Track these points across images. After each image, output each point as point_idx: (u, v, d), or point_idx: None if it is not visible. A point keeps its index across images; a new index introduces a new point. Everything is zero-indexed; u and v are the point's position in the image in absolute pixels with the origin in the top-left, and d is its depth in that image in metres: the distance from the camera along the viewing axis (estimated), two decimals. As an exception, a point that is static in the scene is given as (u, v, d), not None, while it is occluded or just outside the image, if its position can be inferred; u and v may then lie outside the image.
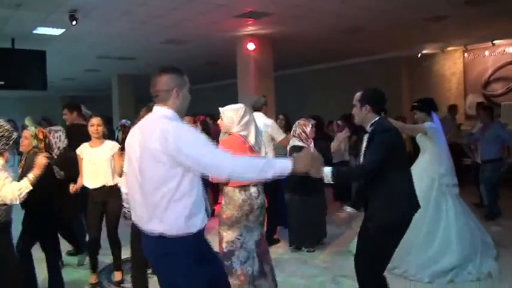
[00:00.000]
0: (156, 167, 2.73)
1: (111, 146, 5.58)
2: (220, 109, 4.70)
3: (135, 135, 2.97)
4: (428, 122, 5.96)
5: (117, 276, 5.71)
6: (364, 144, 3.99)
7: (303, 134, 6.43)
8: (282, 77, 16.04)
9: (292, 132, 6.58)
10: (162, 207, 2.74)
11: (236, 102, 12.38)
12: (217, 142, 7.66)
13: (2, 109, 19.67)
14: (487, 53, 14.21)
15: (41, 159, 4.33)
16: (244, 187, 4.44)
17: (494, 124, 8.45)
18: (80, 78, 19.20)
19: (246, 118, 4.58)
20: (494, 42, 13.71)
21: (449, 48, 14.84)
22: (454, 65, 15.05)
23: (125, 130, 8.65)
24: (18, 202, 4.08)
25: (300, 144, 6.38)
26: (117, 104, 18.41)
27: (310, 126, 6.50)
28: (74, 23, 8.90)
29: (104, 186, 5.46)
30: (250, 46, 11.96)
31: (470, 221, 5.99)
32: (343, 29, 11.52)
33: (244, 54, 12.27)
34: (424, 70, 15.55)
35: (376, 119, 3.97)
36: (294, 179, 6.48)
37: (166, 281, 2.93)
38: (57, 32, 10.44)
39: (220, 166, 2.72)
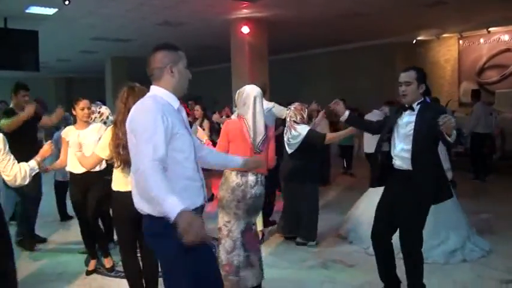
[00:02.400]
0: (131, 144, 2.70)
1: (98, 127, 5.33)
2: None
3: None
4: None
5: (107, 263, 5.52)
6: (407, 119, 4.13)
7: (303, 119, 6.25)
8: (276, 61, 15.99)
9: (290, 118, 6.27)
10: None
11: (229, 86, 12.39)
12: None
13: (-5, 90, 19.44)
14: (482, 40, 14.21)
15: None
16: (242, 172, 4.35)
17: None
18: (75, 59, 19.10)
19: (245, 100, 4.47)
20: (490, 29, 13.71)
21: (444, 35, 14.83)
22: (448, 51, 15.05)
23: None
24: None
25: (313, 127, 6.32)
26: (110, 87, 18.31)
27: (306, 110, 6.38)
28: (67, 2, 8.81)
29: (89, 171, 4.90)
30: (245, 29, 11.89)
31: (457, 201, 6.10)
32: (339, 14, 11.48)
33: (238, 38, 12.21)
34: (419, 56, 15.52)
35: (423, 98, 4.13)
36: (289, 166, 6.42)
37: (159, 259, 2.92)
38: (50, 11, 10.36)
39: (142, 160, 2.52)
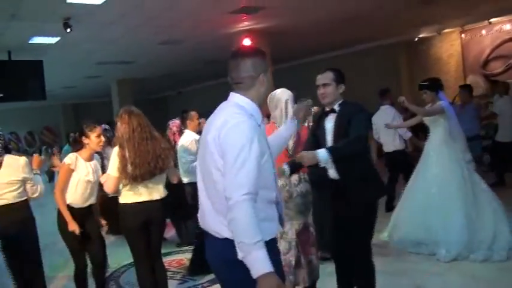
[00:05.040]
0: (215, 161, 2.43)
1: (97, 158, 5.04)
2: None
3: (205, 132, 2.60)
4: (441, 101, 6.01)
5: None
6: (331, 123, 4.00)
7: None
8: (280, 70, 16.03)
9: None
10: (225, 208, 2.37)
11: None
12: None
13: (3, 120, 19.70)
14: (484, 32, 14.16)
15: None
16: None
17: (471, 104, 8.49)
18: (80, 85, 19.22)
19: (276, 103, 4.55)
20: (491, 20, 13.66)
21: (446, 30, 14.80)
22: (451, 46, 15.01)
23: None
24: None
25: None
26: (117, 109, 18.33)
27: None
28: (69, 30, 8.91)
29: (91, 204, 4.85)
30: (246, 42, 11.93)
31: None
32: (340, 18, 11.49)
33: (240, 51, 12.19)
34: (422, 54, 15.51)
35: (342, 100, 4.07)
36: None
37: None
38: (53, 40, 10.47)
39: (233, 192, 2.30)
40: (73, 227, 4.55)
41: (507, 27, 13.58)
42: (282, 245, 4.36)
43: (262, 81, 2.57)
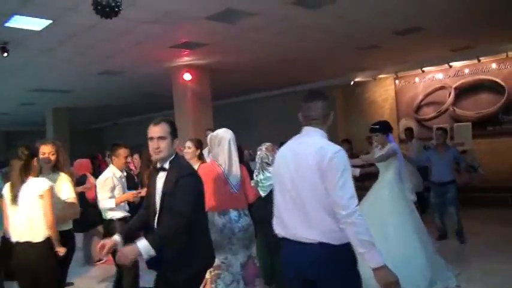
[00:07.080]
0: (315, 181, 2.90)
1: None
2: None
3: (287, 156, 3.16)
4: (393, 144, 6.22)
5: None
6: (161, 183, 3.49)
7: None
8: (221, 106, 16.11)
9: (261, 160, 5.73)
10: (323, 219, 2.90)
11: (174, 132, 12.31)
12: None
13: None
14: (417, 79, 14.76)
15: None
16: (223, 211, 4.58)
17: (451, 148, 8.62)
18: (14, 112, 18.71)
19: (220, 141, 4.75)
20: (424, 69, 14.25)
21: (380, 76, 15.31)
22: (385, 91, 15.56)
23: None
24: None
25: None
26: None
27: (277, 151, 5.91)
28: (5, 54, 8.70)
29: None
30: (187, 76, 11.96)
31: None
32: (279, 60, 11.75)
33: (180, 85, 12.24)
34: (357, 97, 16.01)
35: (175, 155, 3.56)
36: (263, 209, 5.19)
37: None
38: (-13, 64, 10.17)
39: (349, 203, 2.80)
40: (63, 249, 4.20)
41: (439, 76, 14.20)
42: (227, 277, 4.50)
43: (331, 118, 3.16)
